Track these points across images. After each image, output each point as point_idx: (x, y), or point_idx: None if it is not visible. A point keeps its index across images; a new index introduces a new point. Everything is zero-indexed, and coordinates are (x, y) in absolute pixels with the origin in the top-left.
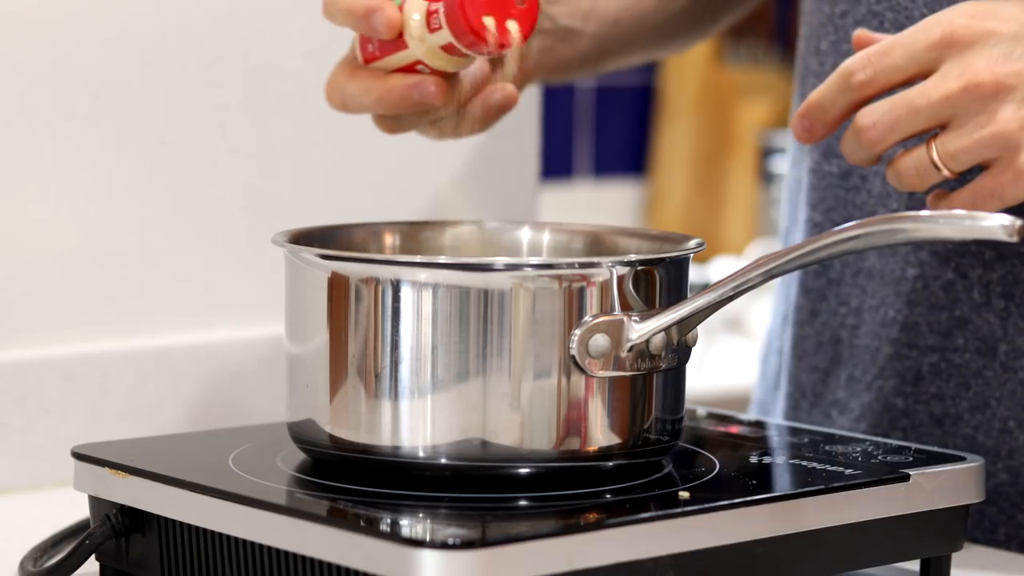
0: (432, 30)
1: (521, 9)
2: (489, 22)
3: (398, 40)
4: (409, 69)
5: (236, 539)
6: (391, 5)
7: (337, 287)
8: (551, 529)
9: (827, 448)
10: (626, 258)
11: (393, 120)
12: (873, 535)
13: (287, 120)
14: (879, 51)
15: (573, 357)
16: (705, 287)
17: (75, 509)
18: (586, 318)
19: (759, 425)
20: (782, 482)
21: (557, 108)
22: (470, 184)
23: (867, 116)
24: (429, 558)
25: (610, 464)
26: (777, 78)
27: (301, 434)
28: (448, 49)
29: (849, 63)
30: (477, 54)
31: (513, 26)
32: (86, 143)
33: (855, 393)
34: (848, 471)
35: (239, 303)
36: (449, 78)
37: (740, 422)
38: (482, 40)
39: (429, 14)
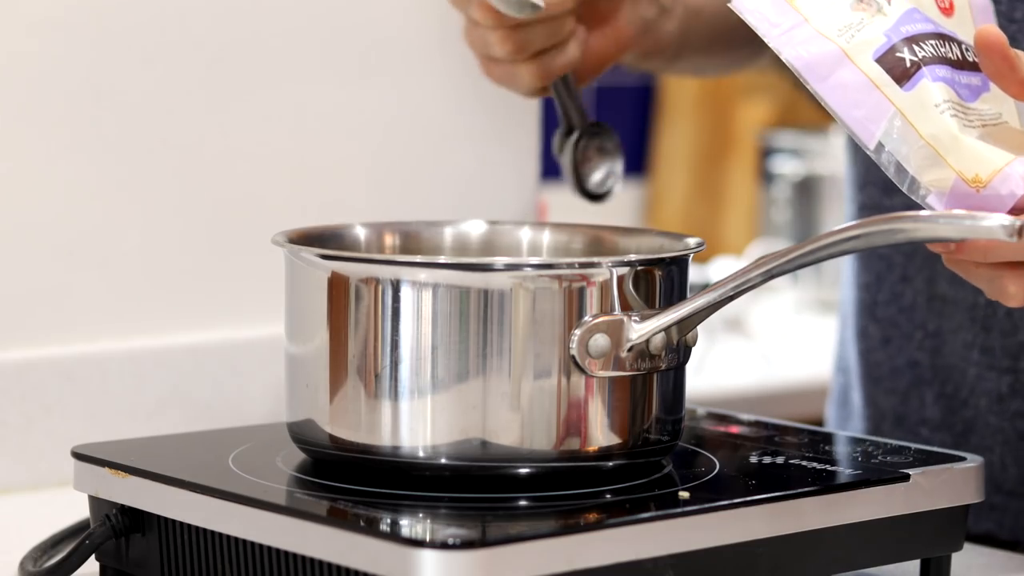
0: None
1: None
2: None
3: None
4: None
5: (236, 539)
6: None
7: (337, 287)
8: (551, 529)
9: (827, 448)
10: (626, 258)
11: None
12: (873, 535)
13: (287, 121)
14: None
15: (573, 357)
16: (705, 287)
17: (75, 509)
18: (586, 318)
19: (759, 425)
20: (782, 482)
21: None
22: (470, 184)
23: None
24: (429, 558)
25: (610, 464)
26: (777, 78)
27: (301, 434)
28: None
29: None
30: None
31: None
32: (86, 143)
33: (952, 410)
34: (848, 471)
35: (239, 303)
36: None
37: (740, 422)
38: None
39: None
